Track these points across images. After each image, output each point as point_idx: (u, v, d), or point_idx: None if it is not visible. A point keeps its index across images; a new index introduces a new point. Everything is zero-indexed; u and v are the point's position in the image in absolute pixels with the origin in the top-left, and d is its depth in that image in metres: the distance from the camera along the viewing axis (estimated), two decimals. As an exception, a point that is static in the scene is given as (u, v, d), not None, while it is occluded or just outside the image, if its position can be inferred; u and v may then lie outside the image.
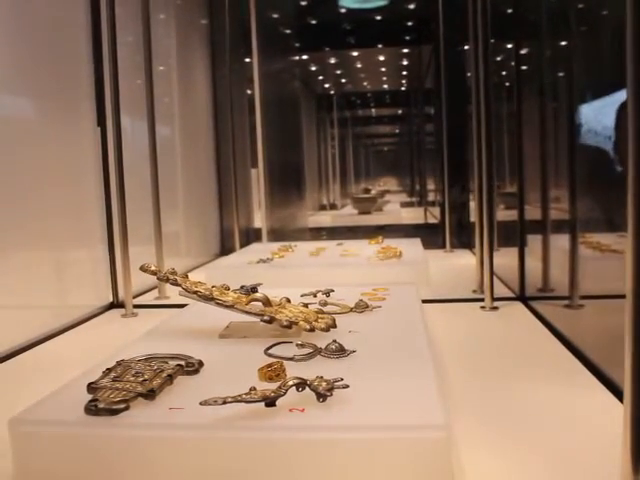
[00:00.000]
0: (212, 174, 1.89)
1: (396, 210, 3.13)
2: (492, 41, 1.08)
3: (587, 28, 0.90)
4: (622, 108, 0.72)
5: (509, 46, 1.26)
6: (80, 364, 0.61)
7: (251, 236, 1.98)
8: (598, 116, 0.83)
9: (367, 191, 2.93)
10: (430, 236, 1.95)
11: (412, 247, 1.45)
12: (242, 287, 0.74)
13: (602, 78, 0.83)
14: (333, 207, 3.54)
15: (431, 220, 2.60)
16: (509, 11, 1.25)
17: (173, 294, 1.18)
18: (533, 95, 1.11)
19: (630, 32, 0.39)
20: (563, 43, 1.00)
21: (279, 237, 1.93)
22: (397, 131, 4.25)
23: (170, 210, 1.49)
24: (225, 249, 1.88)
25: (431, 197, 2.77)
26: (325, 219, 2.88)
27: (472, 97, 1.17)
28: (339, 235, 2.10)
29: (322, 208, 3.46)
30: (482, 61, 1.06)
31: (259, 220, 1.95)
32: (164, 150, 1.42)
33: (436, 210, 2.37)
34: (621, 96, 0.73)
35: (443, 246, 1.83)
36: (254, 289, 0.73)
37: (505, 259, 1.25)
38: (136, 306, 1.11)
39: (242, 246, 1.75)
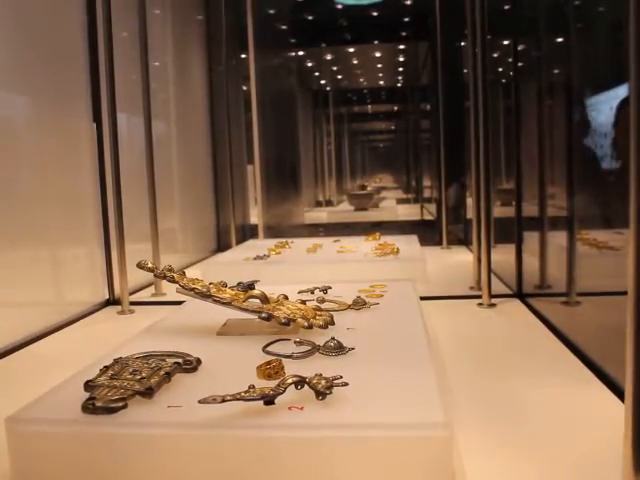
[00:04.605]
0: (208, 170, 1.88)
1: (392, 207, 3.13)
2: (489, 37, 1.08)
3: (585, 24, 0.89)
4: (621, 104, 0.72)
5: (506, 42, 1.26)
6: (77, 362, 0.61)
7: (247, 233, 1.98)
8: (596, 112, 0.83)
9: (363, 187, 2.92)
10: (426, 233, 1.95)
11: (409, 244, 1.45)
12: (239, 284, 0.73)
13: (600, 74, 0.83)
14: (329, 204, 3.54)
15: (427, 217, 2.59)
16: (506, 7, 1.25)
17: (169, 291, 1.18)
18: (531, 91, 1.11)
19: (633, 27, 0.38)
20: (561, 39, 0.99)
21: (275, 234, 1.92)
22: (393, 127, 4.25)
23: (166, 207, 1.48)
24: (221, 246, 1.88)
25: (427, 194, 2.76)
26: (321, 215, 2.87)
27: (469, 93, 1.16)
28: (335, 232, 2.09)
29: (318, 204, 3.46)
30: (480, 57, 1.06)
31: (255, 217, 1.95)
32: (160, 146, 1.42)
33: (432, 207, 2.37)
34: (619, 92, 0.73)
35: (439, 243, 1.82)
36: (251, 286, 0.73)
37: (502, 256, 1.25)
38: (132, 303, 1.11)
39: (238, 243, 1.75)
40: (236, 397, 0.44)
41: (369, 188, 2.97)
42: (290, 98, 2.75)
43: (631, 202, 0.39)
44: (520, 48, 1.16)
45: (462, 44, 1.72)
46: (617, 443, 0.40)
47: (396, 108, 3.89)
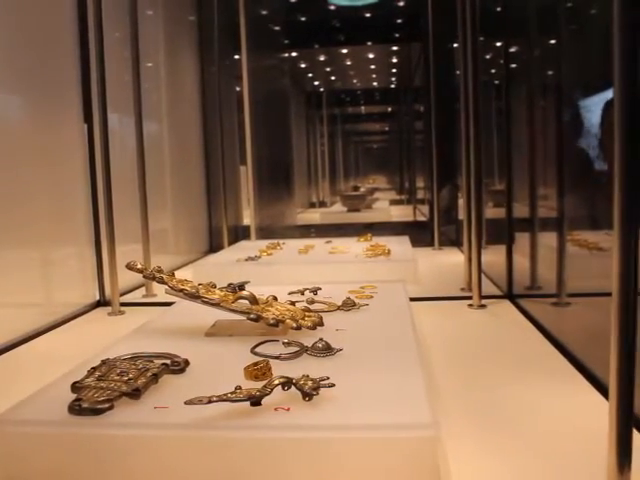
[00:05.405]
0: (201, 171, 1.88)
1: (385, 208, 3.13)
2: (481, 39, 1.08)
3: (576, 26, 0.90)
4: (606, 106, 0.73)
5: (498, 44, 1.26)
6: (65, 363, 0.60)
7: (240, 234, 1.98)
8: (585, 114, 0.83)
9: (356, 189, 2.92)
10: (419, 234, 1.95)
11: (400, 245, 1.46)
12: (229, 285, 0.73)
13: (590, 76, 0.83)
14: (322, 205, 3.54)
15: (420, 218, 2.60)
16: (498, 9, 1.25)
17: (160, 292, 1.18)
18: (521, 93, 1.11)
19: (617, 30, 0.39)
20: (551, 41, 1.00)
21: (268, 235, 1.92)
22: (387, 129, 4.26)
23: (159, 208, 1.48)
24: (213, 247, 1.87)
25: (420, 195, 2.77)
26: (314, 217, 2.87)
27: (460, 95, 1.17)
28: (328, 233, 2.09)
29: (312, 206, 3.46)
30: (471, 59, 1.06)
31: (248, 218, 1.95)
32: (152, 147, 1.42)
33: (425, 208, 2.37)
34: (607, 94, 0.73)
35: (431, 244, 1.82)
36: (241, 287, 0.73)
37: (493, 257, 1.25)
38: (123, 304, 1.11)
39: (230, 244, 1.74)
40: (222, 398, 0.44)
41: (362, 189, 2.97)
42: (283, 99, 2.75)
43: (615, 203, 0.39)
44: (511, 50, 1.17)
45: (454, 45, 1.73)
46: (604, 443, 0.41)
47: (390, 109, 3.89)
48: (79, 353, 0.67)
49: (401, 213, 2.98)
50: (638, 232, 0.39)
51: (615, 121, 0.39)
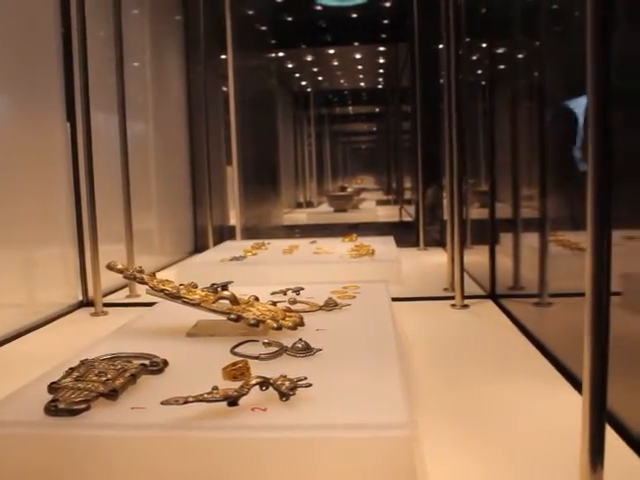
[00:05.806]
0: (186, 171, 1.87)
1: (372, 208, 3.14)
2: (467, 40, 1.08)
3: (560, 28, 0.90)
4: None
5: (484, 45, 1.27)
6: (47, 363, 0.60)
7: (225, 234, 1.98)
8: (569, 115, 0.84)
9: (343, 189, 2.93)
10: (404, 234, 1.96)
11: (385, 245, 1.46)
12: (212, 285, 0.73)
13: (574, 78, 0.84)
14: (310, 205, 3.55)
15: (406, 218, 2.60)
16: (484, 10, 1.25)
17: (144, 292, 1.17)
18: (505, 94, 1.12)
19: (590, 32, 0.39)
20: (535, 43, 1.00)
21: (254, 235, 1.92)
22: (374, 129, 4.27)
23: (144, 208, 1.48)
24: (199, 247, 1.87)
25: (408, 195, 2.77)
26: (301, 217, 2.87)
27: (444, 95, 1.17)
28: (314, 233, 2.09)
29: (299, 206, 3.47)
30: (454, 59, 1.06)
31: (234, 218, 1.94)
32: (137, 147, 1.41)
33: (412, 208, 2.38)
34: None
35: (417, 244, 1.83)
36: (224, 287, 0.73)
37: (477, 257, 1.25)
38: (106, 304, 1.10)
39: (216, 244, 1.74)
40: (199, 398, 0.44)
41: (349, 189, 2.98)
42: (270, 99, 2.75)
43: (588, 204, 0.39)
44: (497, 51, 1.17)
45: (440, 46, 1.73)
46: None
47: (377, 109, 3.90)
48: (61, 353, 0.66)
49: (388, 213, 2.99)
50: (611, 233, 0.39)
51: (589, 121, 0.40)
